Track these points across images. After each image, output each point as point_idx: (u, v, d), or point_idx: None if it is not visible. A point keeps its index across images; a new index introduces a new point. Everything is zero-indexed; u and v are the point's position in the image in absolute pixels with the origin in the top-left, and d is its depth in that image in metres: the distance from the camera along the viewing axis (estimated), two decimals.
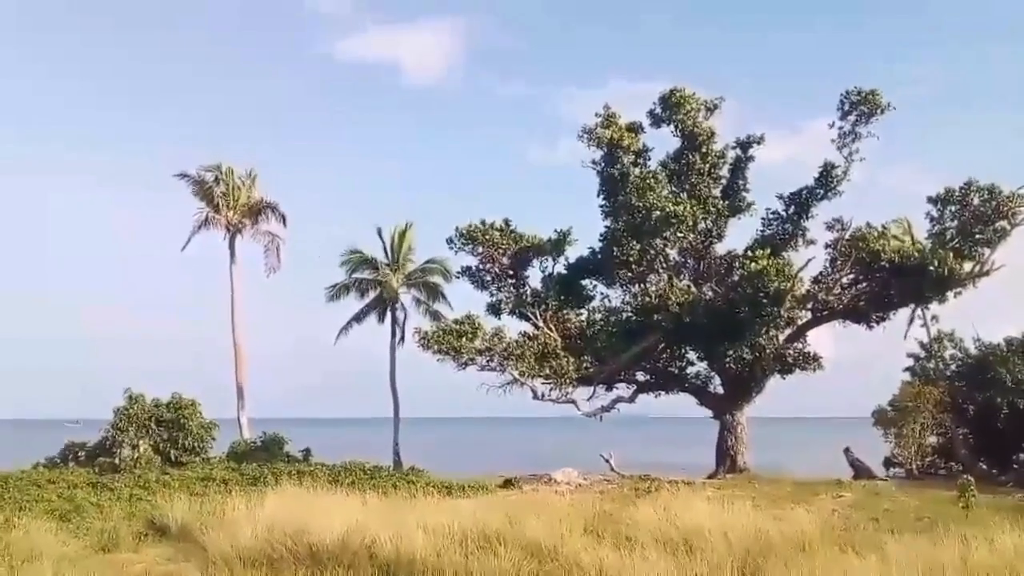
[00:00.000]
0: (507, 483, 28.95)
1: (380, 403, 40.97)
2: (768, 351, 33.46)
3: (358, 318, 40.73)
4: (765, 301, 31.01)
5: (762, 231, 35.84)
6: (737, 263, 34.39)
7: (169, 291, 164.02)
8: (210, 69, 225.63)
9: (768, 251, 32.07)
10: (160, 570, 15.10)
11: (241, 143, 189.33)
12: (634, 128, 36.17)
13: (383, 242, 41.16)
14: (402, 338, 39.75)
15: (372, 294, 40.69)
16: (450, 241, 35.10)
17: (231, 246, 40.34)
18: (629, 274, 35.28)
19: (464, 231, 34.68)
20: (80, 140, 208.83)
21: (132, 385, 31.79)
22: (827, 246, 34.56)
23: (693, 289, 34.38)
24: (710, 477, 32.69)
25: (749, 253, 33.23)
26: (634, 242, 34.25)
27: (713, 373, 35.84)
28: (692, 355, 36.31)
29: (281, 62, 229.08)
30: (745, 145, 36.36)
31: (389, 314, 40.33)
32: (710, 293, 34.34)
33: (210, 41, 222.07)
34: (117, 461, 29.41)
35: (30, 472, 28.87)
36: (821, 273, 34.33)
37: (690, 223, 33.89)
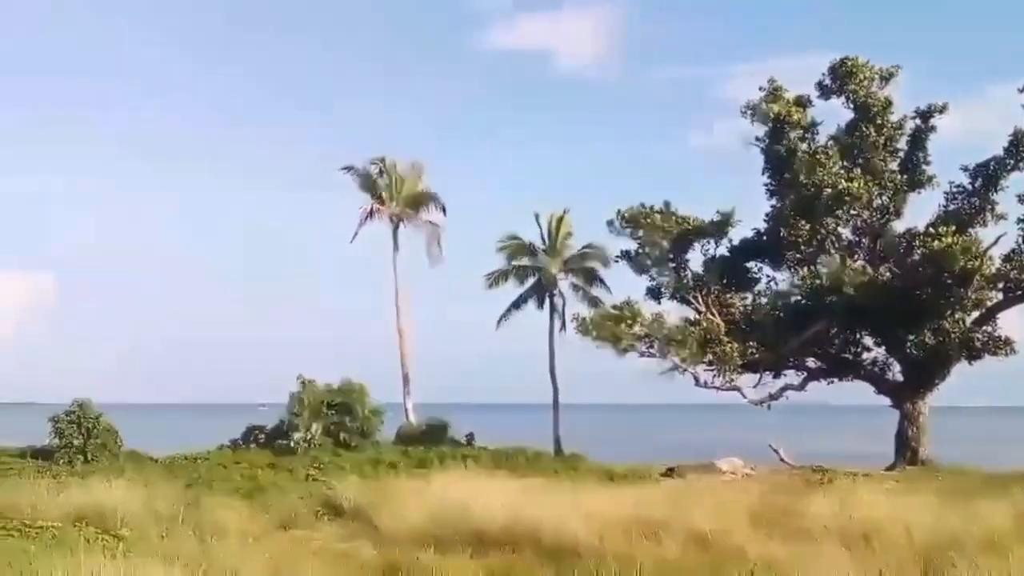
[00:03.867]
0: (670, 471, 28.50)
1: (539, 389, 41.21)
2: (953, 335, 31.28)
3: (517, 304, 41.09)
4: (950, 282, 29.13)
5: (945, 206, 33.42)
6: (918, 241, 32.29)
7: (340, 280, 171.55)
8: (369, 68, 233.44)
9: (953, 228, 30.04)
10: (336, 547, 15.71)
11: (402, 137, 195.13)
12: (801, 102, 34.54)
13: (540, 228, 41.30)
14: (563, 325, 39.80)
15: (531, 280, 40.95)
16: (610, 224, 34.75)
17: (394, 237, 41.57)
18: (798, 255, 33.78)
19: (625, 214, 34.22)
20: (254, 139, 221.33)
21: (305, 371, 33.42)
22: (1019, 221, 31.85)
23: (869, 270, 32.52)
24: (888, 469, 31.01)
25: (931, 230, 31.21)
26: (803, 221, 32.77)
27: (892, 359, 33.91)
28: (868, 340, 34.47)
29: (435, 56, 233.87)
30: (925, 115, 33.97)
31: (547, 300, 40.47)
32: (888, 274, 32.43)
33: (359, 39, 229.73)
34: (292, 444, 30.97)
35: (216, 453, 30.97)
36: (1013, 250, 31.73)
37: (864, 200, 32.17)
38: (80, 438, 29.12)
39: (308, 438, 30.98)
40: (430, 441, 32.90)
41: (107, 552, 12.75)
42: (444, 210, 42.16)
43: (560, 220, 41.17)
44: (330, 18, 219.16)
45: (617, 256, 36.60)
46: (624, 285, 39.67)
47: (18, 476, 22.73)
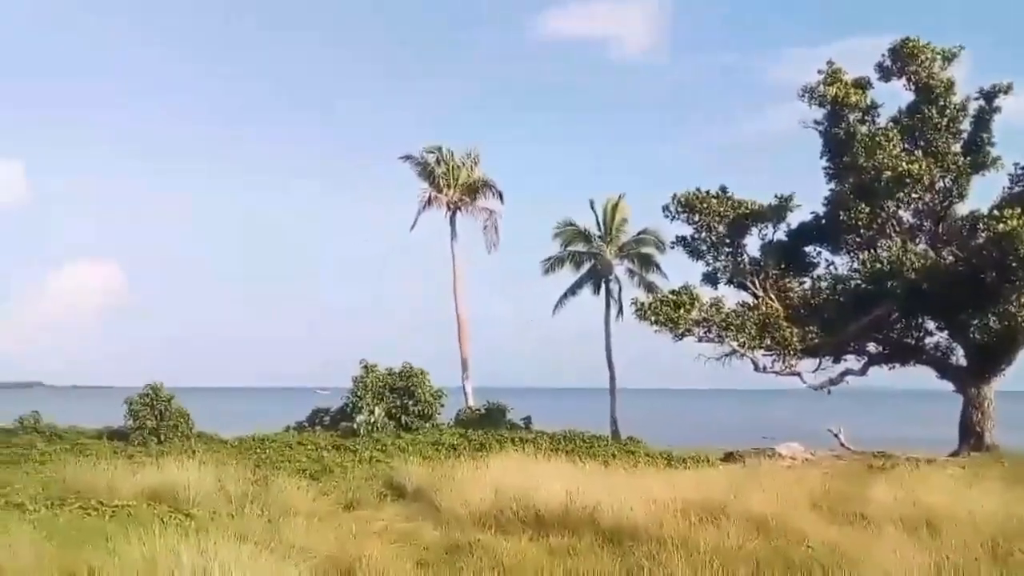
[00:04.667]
0: (728, 456, 28.43)
1: (596, 373, 41.42)
2: (1020, 319, 30.48)
3: (573, 290, 41.36)
4: (1015, 265, 28.33)
5: (1010, 188, 32.57)
6: (981, 224, 31.48)
7: (400, 267, 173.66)
8: (426, 57, 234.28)
9: (1018, 210, 29.17)
10: (399, 527, 16.08)
11: (458, 124, 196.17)
12: (861, 84, 33.89)
13: (596, 214, 41.49)
14: (620, 311, 39.94)
15: (586, 266, 41.11)
16: (666, 209, 34.58)
17: (452, 223, 42.07)
18: (857, 239, 33.27)
19: (681, 199, 34.02)
20: (311, 130, 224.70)
21: (368, 356, 34.14)
22: None
23: (931, 254, 31.89)
24: (952, 455, 30.45)
25: (996, 213, 30.36)
26: (863, 205, 32.23)
27: (955, 344, 33.20)
28: (930, 325, 33.78)
29: (492, 44, 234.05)
30: (990, 95, 33.06)
31: (603, 286, 40.58)
32: (950, 258, 31.73)
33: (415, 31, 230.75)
34: (355, 425, 31.68)
35: (283, 435, 31.82)
36: None
37: (926, 182, 31.48)
38: (153, 420, 30.26)
39: (371, 421, 31.66)
40: (489, 424, 33.34)
41: (180, 530, 13.26)
42: (501, 197, 42.53)
43: (615, 206, 41.25)
44: (388, 19, 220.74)
45: (673, 241, 36.49)
46: (680, 271, 39.57)
47: (95, 457, 23.59)
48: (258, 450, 27.96)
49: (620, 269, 40.88)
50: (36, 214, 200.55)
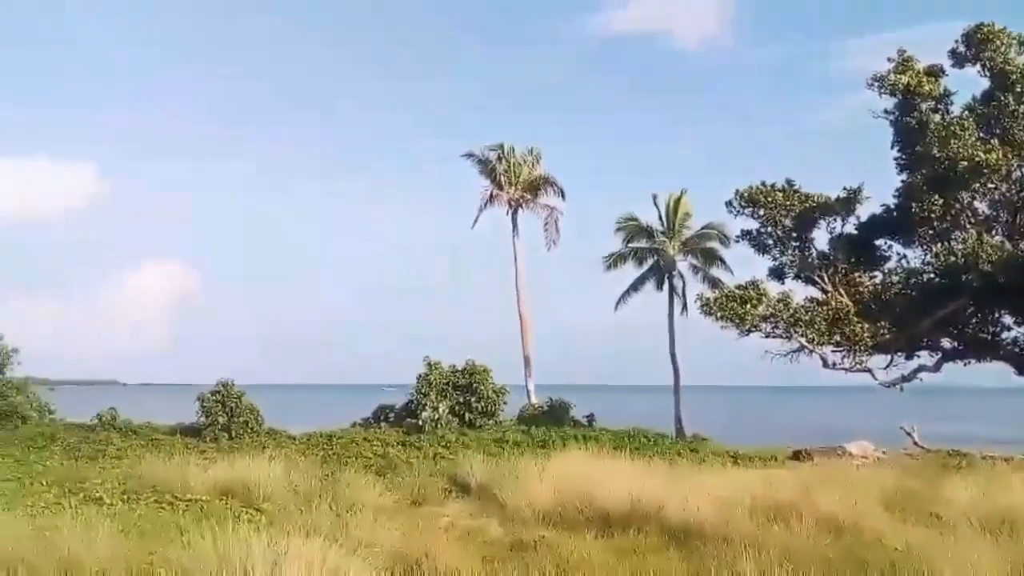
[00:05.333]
0: (797, 455, 27.94)
1: (659, 370, 41.04)
2: None
3: (635, 286, 41.05)
4: None
5: None
6: None
7: (461, 265, 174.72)
8: (484, 53, 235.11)
9: None
10: (464, 524, 16.19)
11: (519, 122, 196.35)
12: (933, 72, 32.85)
13: (658, 209, 41.10)
14: (684, 307, 39.53)
15: (649, 262, 40.76)
16: (729, 204, 34.00)
17: (513, 221, 42.15)
18: (930, 232, 32.27)
19: (745, 193, 33.42)
20: (370, 127, 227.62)
21: (431, 354, 34.40)
22: None
23: (1008, 246, 30.74)
24: None
25: None
26: (936, 196, 31.24)
27: None
28: (1008, 319, 32.58)
29: (549, 40, 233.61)
30: None
31: (667, 282, 40.18)
32: None
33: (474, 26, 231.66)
34: (420, 422, 31.96)
35: (349, 431, 32.29)
36: None
37: (1003, 172, 30.36)
38: (225, 416, 30.99)
39: (435, 417, 31.91)
40: (551, 421, 33.32)
41: (251, 524, 13.53)
42: (563, 194, 42.49)
43: (678, 201, 40.80)
44: (453, 19, 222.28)
45: (738, 236, 35.88)
46: (744, 266, 38.90)
47: (169, 452, 24.27)
48: (325, 446, 28.44)
49: (683, 264, 40.43)
50: (109, 214, 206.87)
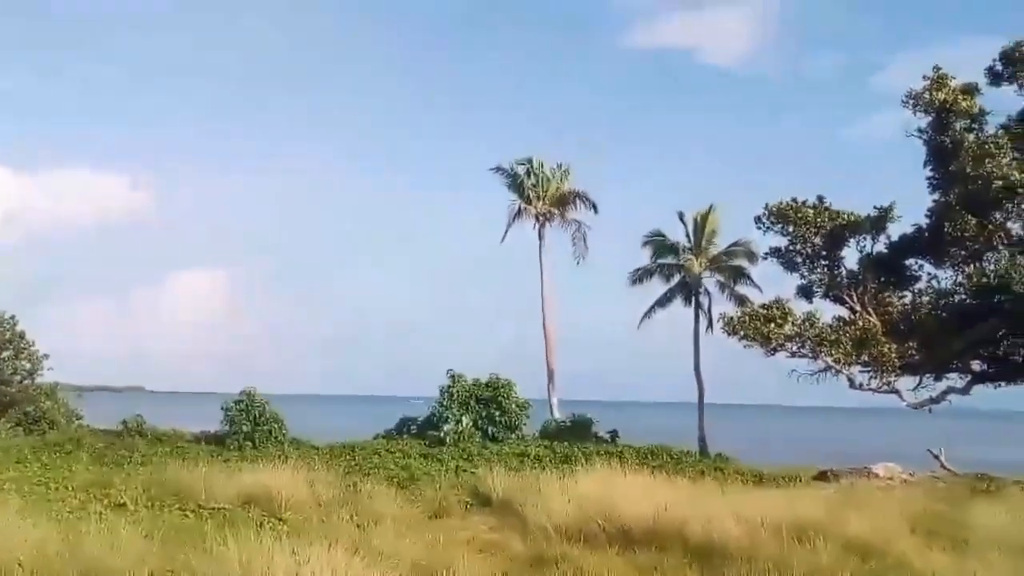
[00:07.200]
0: (822, 475, 27.61)
1: (683, 387, 40.79)
2: None
3: (661, 302, 40.91)
4: None
5: None
6: None
7: (490, 278, 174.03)
8: (518, 70, 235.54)
9: None
10: (485, 538, 16.15)
11: (550, 138, 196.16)
12: (969, 89, 32.52)
13: (685, 226, 40.98)
14: (709, 324, 39.29)
15: (676, 278, 40.63)
16: (758, 220, 33.75)
17: (540, 235, 42.19)
18: (963, 252, 31.82)
19: (774, 209, 33.16)
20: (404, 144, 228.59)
21: (455, 367, 34.43)
22: None
23: None
24: None
25: None
26: (969, 216, 30.82)
27: None
28: None
29: (580, 56, 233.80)
30: None
31: (693, 299, 39.99)
32: None
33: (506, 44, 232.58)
34: (442, 435, 31.93)
35: (372, 442, 32.34)
36: None
37: None
38: (248, 425, 31.17)
39: (457, 430, 31.87)
40: (574, 437, 33.15)
41: (274, 533, 13.58)
42: (595, 208, 42.55)
43: (705, 217, 40.65)
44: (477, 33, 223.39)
45: (765, 253, 35.62)
46: (773, 283, 38.66)
47: (194, 460, 24.43)
48: (348, 457, 28.48)
49: (710, 281, 40.25)
50: (136, 224, 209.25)
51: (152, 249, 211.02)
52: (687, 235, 40.76)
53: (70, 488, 20.80)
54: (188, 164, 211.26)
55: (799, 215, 32.78)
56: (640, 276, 41.09)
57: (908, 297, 33.16)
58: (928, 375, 32.20)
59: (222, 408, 32.10)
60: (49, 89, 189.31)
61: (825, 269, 33.53)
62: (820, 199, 33.46)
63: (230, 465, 23.83)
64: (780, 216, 33.02)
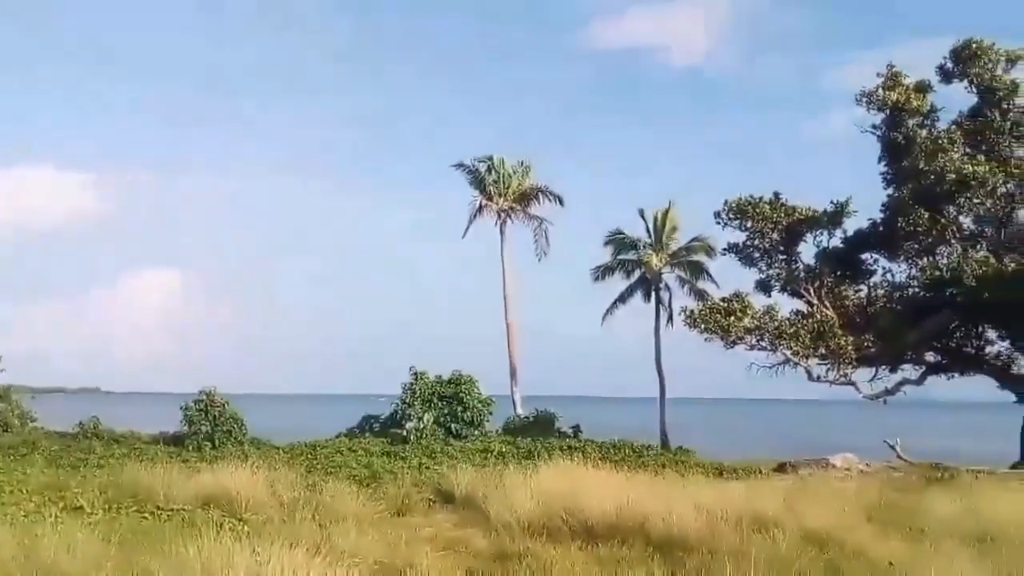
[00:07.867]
0: (781, 467, 27.97)
1: (644, 382, 41.06)
2: None
3: (623, 298, 41.15)
4: None
5: None
6: None
7: (451, 275, 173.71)
8: (480, 69, 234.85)
9: None
10: (448, 535, 16.09)
11: (514, 134, 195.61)
12: (921, 87, 33.18)
13: (646, 223, 41.23)
14: (669, 318, 39.59)
15: (637, 274, 40.90)
16: (717, 216, 34.20)
17: (501, 232, 42.21)
18: (916, 246, 32.56)
19: (733, 204, 33.62)
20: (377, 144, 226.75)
21: (419, 364, 34.30)
22: None
23: (992, 261, 31.07)
24: (1014, 467, 29.55)
25: None
26: (922, 210, 31.53)
27: (1017, 353, 32.28)
28: (991, 334, 32.92)
29: (543, 52, 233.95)
30: None
31: (654, 294, 40.28)
32: (1013, 265, 30.88)
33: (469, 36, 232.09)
34: (405, 432, 31.83)
35: (334, 441, 32.11)
36: None
37: (988, 187, 30.68)
38: (208, 425, 30.78)
39: (420, 427, 31.79)
40: (537, 432, 33.25)
41: (234, 535, 13.43)
42: (561, 201, 42.63)
43: (665, 214, 40.95)
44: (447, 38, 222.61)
45: (724, 249, 36.05)
46: (731, 279, 39.04)
47: (152, 461, 24.05)
48: (309, 456, 28.25)
49: (671, 277, 40.58)
50: (94, 224, 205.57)
51: (107, 249, 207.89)
52: (648, 231, 41.06)
53: (25, 491, 20.34)
54: (146, 164, 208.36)
55: (757, 210, 33.25)
56: (602, 272, 41.30)
57: (864, 291, 33.87)
58: (883, 367, 32.92)
59: (181, 408, 31.67)
60: None
61: (783, 263, 34.09)
62: (777, 195, 33.97)
63: (189, 466, 23.50)
64: (739, 212, 33.48)
